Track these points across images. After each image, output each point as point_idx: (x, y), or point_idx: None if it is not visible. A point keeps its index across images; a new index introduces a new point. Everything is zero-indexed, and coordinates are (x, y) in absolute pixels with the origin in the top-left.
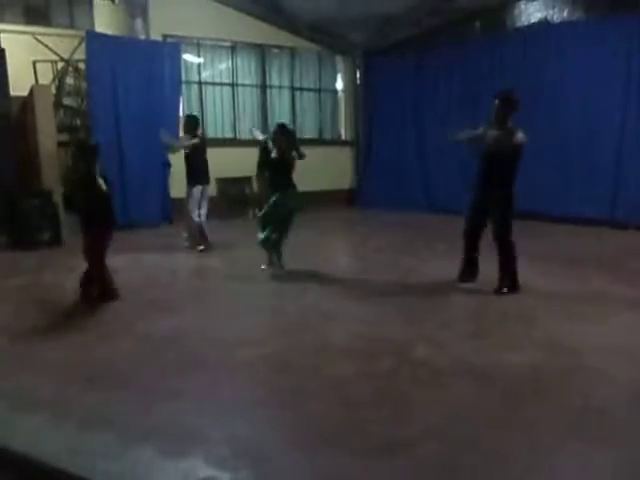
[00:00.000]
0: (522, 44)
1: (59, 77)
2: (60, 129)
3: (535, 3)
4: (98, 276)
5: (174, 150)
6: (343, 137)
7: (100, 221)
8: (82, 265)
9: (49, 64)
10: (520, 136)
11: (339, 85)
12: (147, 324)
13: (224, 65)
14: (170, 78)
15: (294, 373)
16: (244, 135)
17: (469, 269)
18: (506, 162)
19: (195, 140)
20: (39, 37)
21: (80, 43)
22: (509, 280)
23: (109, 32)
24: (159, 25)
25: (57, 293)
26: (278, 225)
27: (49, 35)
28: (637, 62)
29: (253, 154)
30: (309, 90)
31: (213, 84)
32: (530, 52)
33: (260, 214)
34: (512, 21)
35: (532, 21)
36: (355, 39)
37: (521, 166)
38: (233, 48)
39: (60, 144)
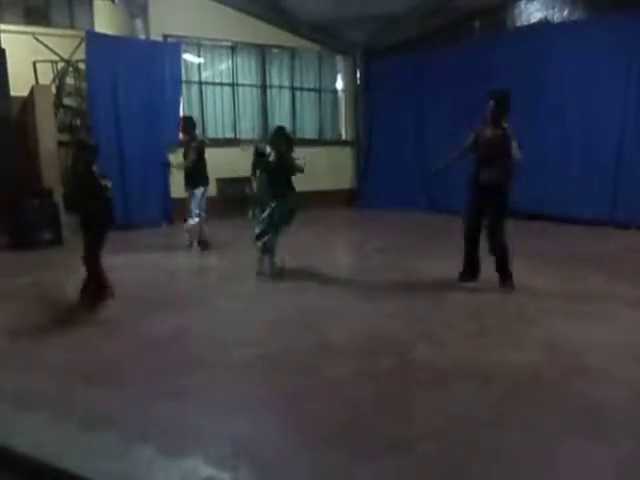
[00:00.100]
0: (522, 44)
1: (59, 77)
2: (60, 129)
3: (535, 3)
4: (94, 275)
5: (179, 167)
6: (343, 137)
7: (99, 221)
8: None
9: (49, 64)
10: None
11: (339, 85)
12: (147, 324)
13: (224, 65)
14: (170, 78)
15: (294, 373)
16: (244, 135)
17: (470, 269)
18: (500, 162)
19: (193, 157)
20: (39, 37)
21: (80, 43)
22: (507, 276)
23: (109, 32)
24: (159, 25)
25: (58, 293)
26: (276, 229)
27: (49, 35)
28: (637, 62)
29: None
30: (309, 90)
31: (213, 84)
32: (530, 52)
33: (260, 221)
34: (512, 21)
35: (532, 21)
36: (355, 39)
37: (521, 166)
38: (233, 48)
39: (60, 144)
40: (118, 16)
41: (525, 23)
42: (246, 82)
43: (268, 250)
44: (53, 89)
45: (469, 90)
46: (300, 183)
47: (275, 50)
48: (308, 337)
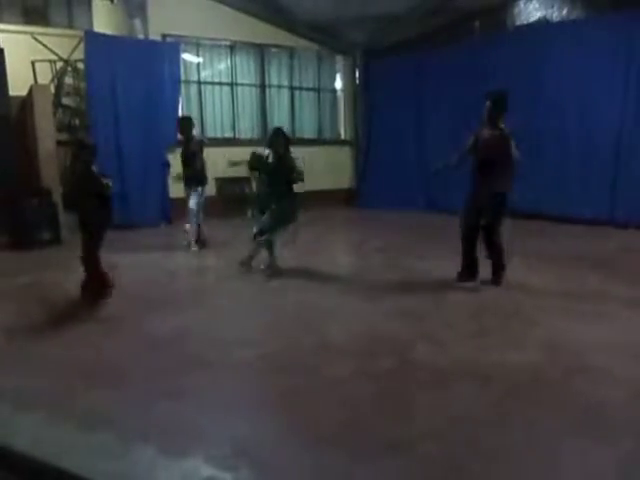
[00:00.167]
0: (521, 43)
1: (58, 77)
2: (59, 129)
3: (534, 2)
4: (93, 274)
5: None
6: (342, 137)
7: (98, 220)
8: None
9: (48, 64)
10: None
11: (338, 84)
12: (147, 323)
13: (223, 65)
14: (169, 78)
15: (294, 373)
16: (243, 135)
17: (469, 270)
18: (498, 162)
19: (201, 156)
20: (38, 37)
21: (79, 43)
22: (501, 273)
23: (108, 32)
24: (158, 25)
25: (57, 292)
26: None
27: (48, 35)
28: (636, 61)
29: None
30: (308, 90)
31: (212, 84)
32: (529, 51)
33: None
34: (512, 20)
35: (531, 20)
36: (355, 38)
37: (521, 166)
38: (232, 47)
39: (59, 143)
40: (117, 16)
41: (524, 22)
42: (245, 82)
43: (268, 248)
44: (52, 89)
45: (469, 90)
46: (300, 183)
47: (274, 50)
48: (308, 337)
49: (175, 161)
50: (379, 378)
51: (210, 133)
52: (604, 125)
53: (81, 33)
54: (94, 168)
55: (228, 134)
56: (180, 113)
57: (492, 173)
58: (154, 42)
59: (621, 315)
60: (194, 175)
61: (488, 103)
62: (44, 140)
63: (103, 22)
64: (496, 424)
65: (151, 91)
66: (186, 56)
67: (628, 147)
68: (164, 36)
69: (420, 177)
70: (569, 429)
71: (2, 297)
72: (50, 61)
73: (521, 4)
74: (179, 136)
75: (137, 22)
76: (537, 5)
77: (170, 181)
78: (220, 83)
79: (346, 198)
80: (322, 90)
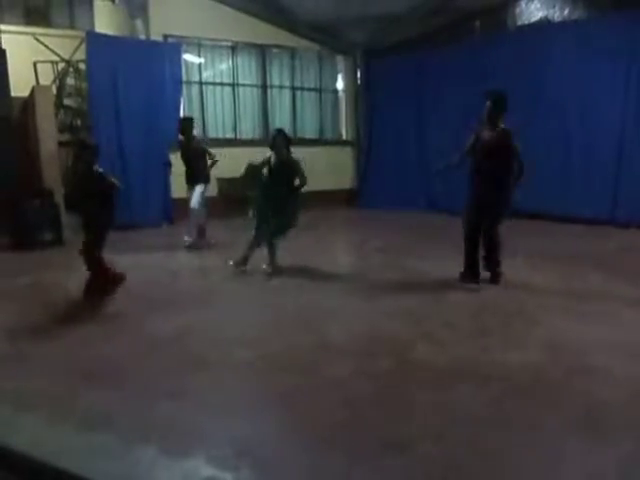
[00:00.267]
0: (522, 43)
1: (60, 77)
2: (61, 129)
3: (536, 2)
4: (97, 272)
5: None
6: (344, 137)
7: (100, 221)
8: (83, 265)
9: (50, 65)
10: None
11: (340, 85)
12: (148, 323)
13: (224, 65)
14: (171, 78)
15: (294, 373)
16: (245, 135)
17: (471, 271)
18: (499, 162)
19: (213, 154)
20: (40, 38)
21: (80, 43)
22: (497, 270)
23: (109, 32)
24: (159, 25)
25: (59, 293)
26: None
27: (49, 36)
28: (638, 61)
29: (254, 154)
30: (310, 90)
31: (214, 84)
32: (530, 51)
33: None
34: (513, 20)
35: (533, 20)
36: (356, 39)
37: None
38: (233, 48)
39: (61, 144)
40: (118, 16)
41: (525, 22)
42: (246, 82)
43: (269, 248)
44: (53, 89)
45: (470, 90)
46: None
47: (275, 50)
48: (308, 337)
49: (177, 161)
50: (379, 378)
51: (212, 134)
52: (605, 125)
53: (82, 34)
54: (97, 168)
55: (229, 135)
56: (182, 114)
57: (492, 173)
58: (155, 43)
59: (622, 315)
60: (195, 174)
61: (488, 103)
62: (46, 141)
63: (104, 23)
64: (496, 424)
65: (153, 91)
66: (187, 57)
67: (629, 147)
68: (165, 37)
69: (421, 177)
70: (569, 429)
71: (3, 297)
72: (52, 62)
73: (522, 4)
74: (180, 136)
75: (138, 23)
76: (538, 5)
77: (172, 180)
78: (221, 84)
79: (347, 198)
80: (323, 90)
